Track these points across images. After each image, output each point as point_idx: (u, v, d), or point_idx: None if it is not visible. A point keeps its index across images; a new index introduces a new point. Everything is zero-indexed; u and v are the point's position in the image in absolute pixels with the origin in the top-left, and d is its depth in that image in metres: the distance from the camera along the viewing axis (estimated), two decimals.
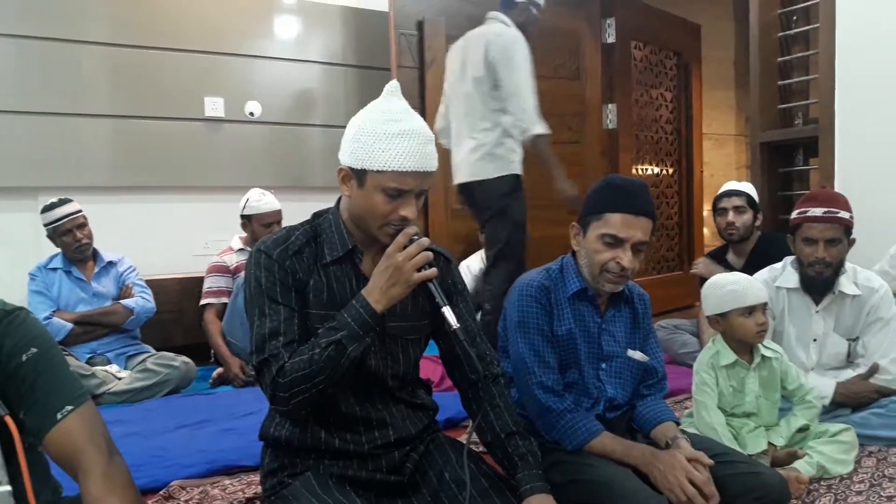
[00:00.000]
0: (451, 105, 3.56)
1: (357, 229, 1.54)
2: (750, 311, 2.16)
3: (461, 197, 3.54)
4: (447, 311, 1.46)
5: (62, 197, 3.44)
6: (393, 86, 1.51)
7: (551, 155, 3.34)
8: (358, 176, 1.46)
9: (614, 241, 1.77)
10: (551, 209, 4.71)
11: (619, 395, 1.90)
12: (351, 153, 1.46)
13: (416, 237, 1.46)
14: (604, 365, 1.90)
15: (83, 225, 3.44)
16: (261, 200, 3.71)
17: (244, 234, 3.83)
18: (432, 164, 1.47)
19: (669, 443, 1.77)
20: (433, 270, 1.46)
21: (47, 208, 3.39)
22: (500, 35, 3.29)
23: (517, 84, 3.23)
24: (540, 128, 3.24)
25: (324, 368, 1.40)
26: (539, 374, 1.82)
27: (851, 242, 2.50)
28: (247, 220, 3.74)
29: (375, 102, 1.50)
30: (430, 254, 1.45)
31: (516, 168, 3.36)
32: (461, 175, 3.46)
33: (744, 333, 2.18)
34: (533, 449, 1.61)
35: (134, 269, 3.64)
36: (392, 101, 1.49)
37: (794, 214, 2.54)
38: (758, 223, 3.43)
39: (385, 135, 1.42)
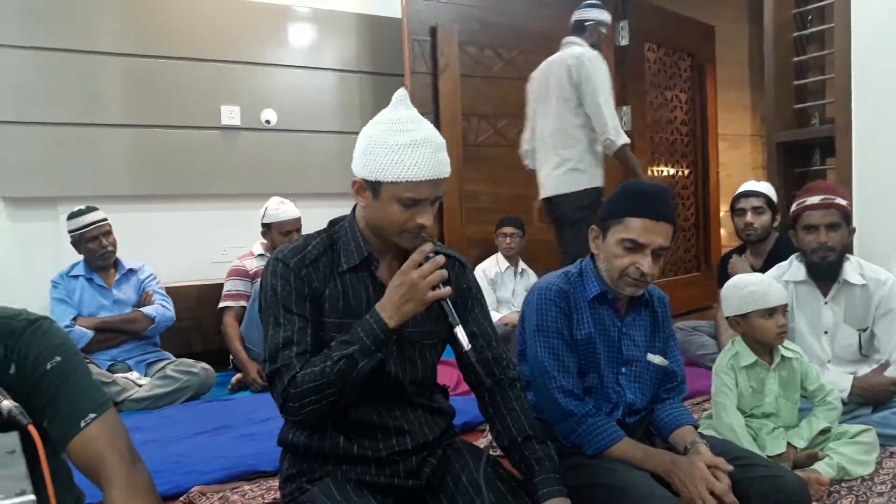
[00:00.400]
0: (536, 126, 3.81)
1: (373, 236, 1.55)
2: (771, 312, 2.15)
3: (548, 214, 3.79)
4: (460, 332, 1.46)
5: (89, 205, 3.48)
6: (401, 94, 1.51)
7: (635, 162, 3.67)
8: (372, 188, 1.47)
9: (634, 247, 1.76)
10: None
11: (638, 399, 1.90)
12: (364, 166, 1.46)
13: (431, 255, 1.46)
14: (623, 369, 1.89)
15: (109, 232, 3.48)
16: (279, 209, 3.74)
17: (265, 241, 3.86)
18: (445, 170, 1.48)
19: (688, 447, 1.76)
20: (447, 290, 1.47)
21: (74, 215, 3.44)
22: (579, 56, 3.57)
23: (597, 101, 3.51)
24: (623, 139, 3.53)
25: (335, 382, 1.42)
26: (559, 378, 1.81)
27: (852, 232, 2.55)
28: (266, 229, 3.77)
29: (384, 112, 1.51)
30: (444, 272, 1.46)
31: (598, 182, 3.63)
32: (547, 190, 3.71)
33: (764, 335, 2.17)
34: (550, 452, 1.61)
35: (154, 277, 3.67)
36: (401, 110, 1.49)
37: (793, 207, 2.60)
38: (776, 224, 3.41)
39: (396, 146, 1.42)
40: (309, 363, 1.45)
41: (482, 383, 1.65)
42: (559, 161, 3.62)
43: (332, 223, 1.62)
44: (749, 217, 3.35)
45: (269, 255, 3.80)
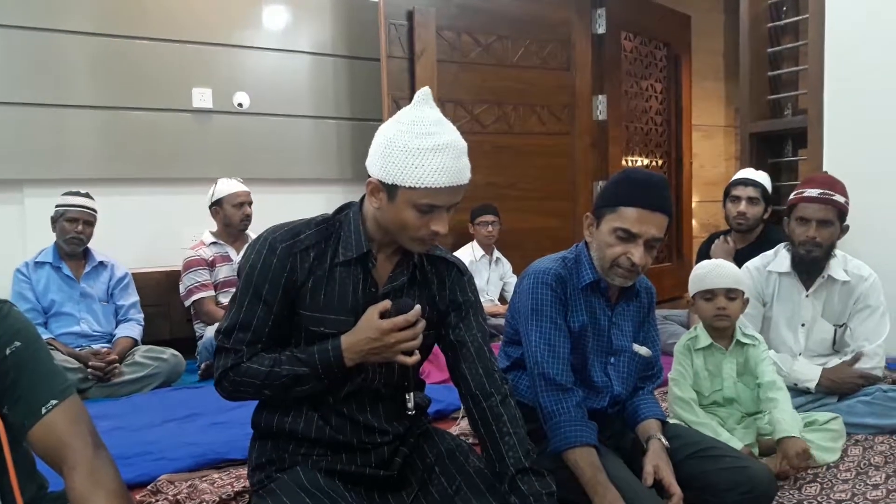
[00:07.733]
0: None
1: (378, 232, 1.50)
2: (710, 295, 2.18)
3: None
4: (409, 396, 1.51)
5: (89, 192, 3.44)
6: (424, 93, 1.44)
7: None
8: (388, 190, 1.41)
9: (627, 236, 1.73)
10: (545, 200, 4.74)
11: (623, 390, 1.90)
12: (381, 167, 1.40)
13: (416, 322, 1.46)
14: (612, 359, 1.89)
15: (90, 223, 3.41)
16: (228, 183, 3.76)
17: (214, 228, 3.82)
18: (465, 176, 1.43)
19: (645, 442, 1.81)
20: (415, 358, 1.48)
21: (71, 193, 3.39)
22: None
23: None
24: None
25: (274, 389, 1.47)
26: (546, 367, 1.77)
27: (845, 229, 2.54)
28: (217, 205, 3.75)
29: (406, 111, 1.44)
30: (419, 342, 1.47)
31: None
32: None
33: (703, 316, 2.22)
34: (550, 488, 1.48)
35: (127, 279, 3.57)
36: (424, 110, 1.42)
37: (791, 196, 2.59)
38: (766, 216, 3.39)
39: (417, 150, 1.37)
40: (257, 357, 1.46)
41: (471, 392, 1.56)
42: None
43: (339, 210, 1.56)
44: (743, 206, 3.32)
45: (220, 241, 3.77)
